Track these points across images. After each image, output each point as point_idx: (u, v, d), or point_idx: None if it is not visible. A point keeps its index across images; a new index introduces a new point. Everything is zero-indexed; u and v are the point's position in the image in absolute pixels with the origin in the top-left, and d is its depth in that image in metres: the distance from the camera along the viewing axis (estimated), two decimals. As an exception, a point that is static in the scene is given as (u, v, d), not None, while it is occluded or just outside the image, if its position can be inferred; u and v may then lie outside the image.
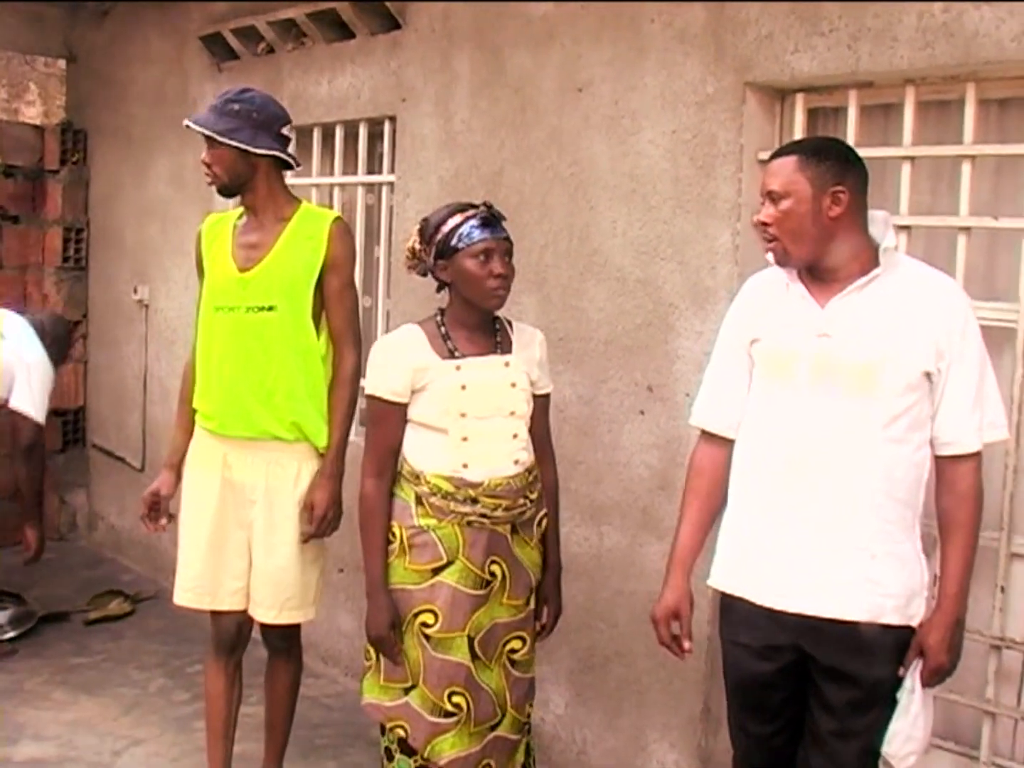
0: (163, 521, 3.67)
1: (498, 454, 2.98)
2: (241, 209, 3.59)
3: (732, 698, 2.80)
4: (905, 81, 3.08)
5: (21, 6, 6.37)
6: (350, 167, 4.95)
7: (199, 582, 3.53)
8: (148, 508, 3.65)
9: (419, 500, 2.95)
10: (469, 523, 2.93)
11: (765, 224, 2.56)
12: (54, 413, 6.54)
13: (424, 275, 3.09)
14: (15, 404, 4.71)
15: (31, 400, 4.73)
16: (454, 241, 2.93)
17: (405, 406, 2.98)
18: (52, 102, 6.77)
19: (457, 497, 2.92)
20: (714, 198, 3.39)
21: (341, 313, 3.49)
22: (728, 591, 2.71)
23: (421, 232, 3.05)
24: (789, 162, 2.53)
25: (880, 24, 3.00)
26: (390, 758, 3.05)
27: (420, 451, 2.98)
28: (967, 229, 3.00)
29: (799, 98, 3.33)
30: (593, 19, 3.72)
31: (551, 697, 3.96)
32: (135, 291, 6.20)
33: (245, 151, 3.38)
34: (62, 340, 5.15)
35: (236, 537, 3.50)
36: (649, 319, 3.59)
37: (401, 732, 2.99)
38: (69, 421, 6.77)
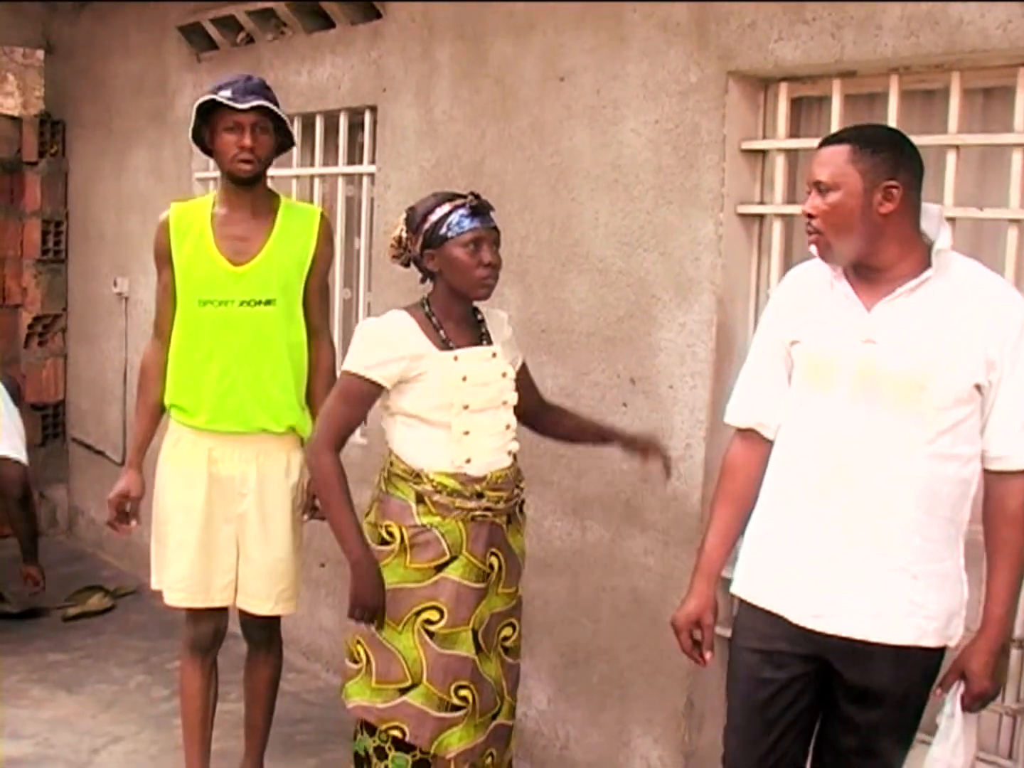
0: (133, 523, 3.58)
1: (495, 447, 2.98)
2: (210, 198, 3.54)
3: (733, 698, 2.69)
4: (889, 70, 3.04)
5: (-2, -4, 6.30)
6: (330, 158, 4.91)
7: (191, 581, 3.48)
8: (116, 511, 3.55)
9: (420, 498, 2.91)
10: (472, 518, 2.92)
11: (810, 216, 2.42)
12: (33, 407, 6.53)
13: (407, 265, 3.06)
14: (3, 452, 4.69)
15: (15, 446, 4.73)
16: (443, 230, 2.90)
17: (383, 392, 2.93)
18: (30, 93, 6.72)
19: (464, 493, 2.90)
20: (697, 188, 3.36)
21: (323, 308, 3.58)
22: (755, 602, 2.59)
23: (408, 221, 3.01)
24: (841, 152, 2.38)
25: (864, 13, 2.96)
26: (381, 756, 2.99)
27: (418, 448, 2.94)
28: (952, 220, 2.96)
29: (783, 87, 3.30)
30: (575, 8, 3.68)
31: (533, 693, 3.93)
32: (115, 284, 6.16)
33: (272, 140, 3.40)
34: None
35: (224, 532, 3.47)
36: (632, 311, 3.55)
37: (398, 732, 2.94)
38: (48, 415, 6.73)
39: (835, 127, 3.14)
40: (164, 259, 3.49)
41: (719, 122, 3.31)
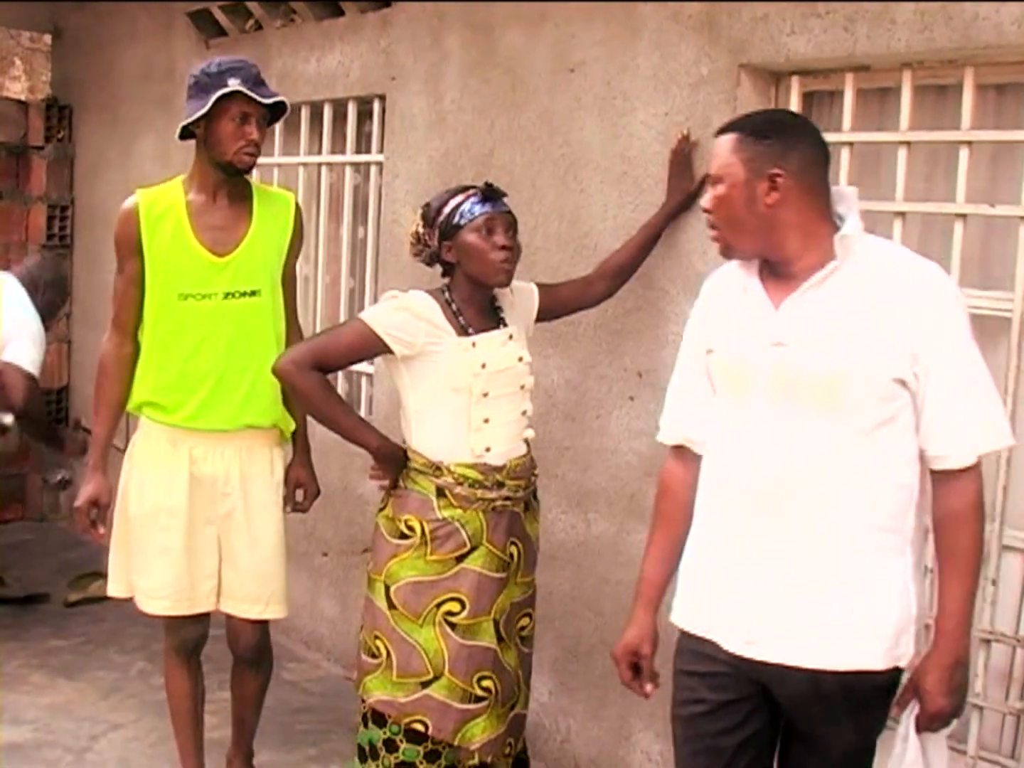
0: (100, 530, 3.40)
1: (513, 434, 2.99)
2: (178, 184, 3.37)
3: (676, 725, 2.48)
4: (902, 65, 3.02)
5: (7, -21, 6.28)
6: (338, 146, 4.89)
7: (175, 587, 3.35)
8: (85, 518, 3.38)
9: (440, 492, 2.91)
10: (493, 508, 2.91)
11: (706, 211, 2.31)
12: (37, 392, 6.51)
13: (431, 263, 3.06)
14: (9, 357, 4.45)
15: (19, 352, 4.50)
16: (456, 219, 2.92)
17: (387, 354, 2.92)
18: (37, 77, 6.70)
19: (485, 484, 2.91)
20: (707, 181, 3.34)
21: (294, 296, 3.53)
22: (690, 630, 2.42)
23: (424, 216, 3.02)
24: (727, 141, 2.26)
25: (878, 7, 2.94)
26: (391, 748, 2.98)
27: (436, 440, 2.94)
28: (963, 216, 2.95)
29: (794, 81, 3.28)
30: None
31: (535, 685, 3.91)
32: (119, 270, 6.12)
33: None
34: (58, 284, 4.95)
35: (206, 535, 3.36)
36: (639, 304, 3.54)
37: (419, 726, 2.92)
38: (53, 401, 6.71)
39: (847, 122, 3.13)
40: (132, 250, 3.28)
41: (730, 115, 3.25)
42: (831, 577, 2.21)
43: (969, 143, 2.93)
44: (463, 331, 2.92)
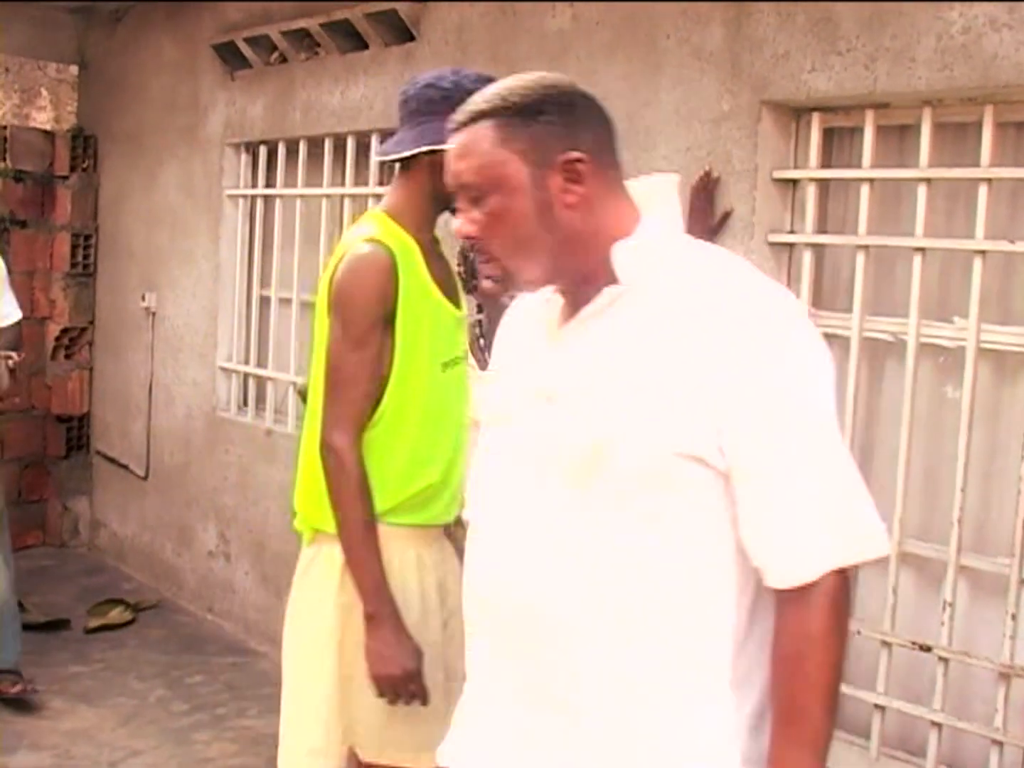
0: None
1: None
2: (387, 221, 2.58)
3: None
4: (922, 102, 3.05)
5: (34, 12, 6.35)
6: (361, 178, 4.93)
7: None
8: (404, 694, 2.45)
9: None
10: None
11: (470, 238, 1.63)
12: (58, 419, 6.57)
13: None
14: (9, 320, 4.54)
15: (13, 303, 4.60)
16: None
17: None
18: (63, 108, 6.78)
19: None
20: (728, 216, 3.37)
21: None
22: None
23: (461, 255, 2.92)
24: (483, 133, 1.59)
25: (898, 45, 2.98)
26: None
27: None
28: (983, 252, 2.97)
29: (815, 117, 3.31)
30: (608, 34, 3.70)
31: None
32: (143, 298, 6.19)
33: None
34: None
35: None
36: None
37: None
38: (74, 428, 6.75)
39: (867, 158, 3.15)
40: (384, 315, 2.49)
41: (751, 151, 3.32)
42: (591, 733, 1.57)
43: (989, 180, 2.95)
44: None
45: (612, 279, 1.57)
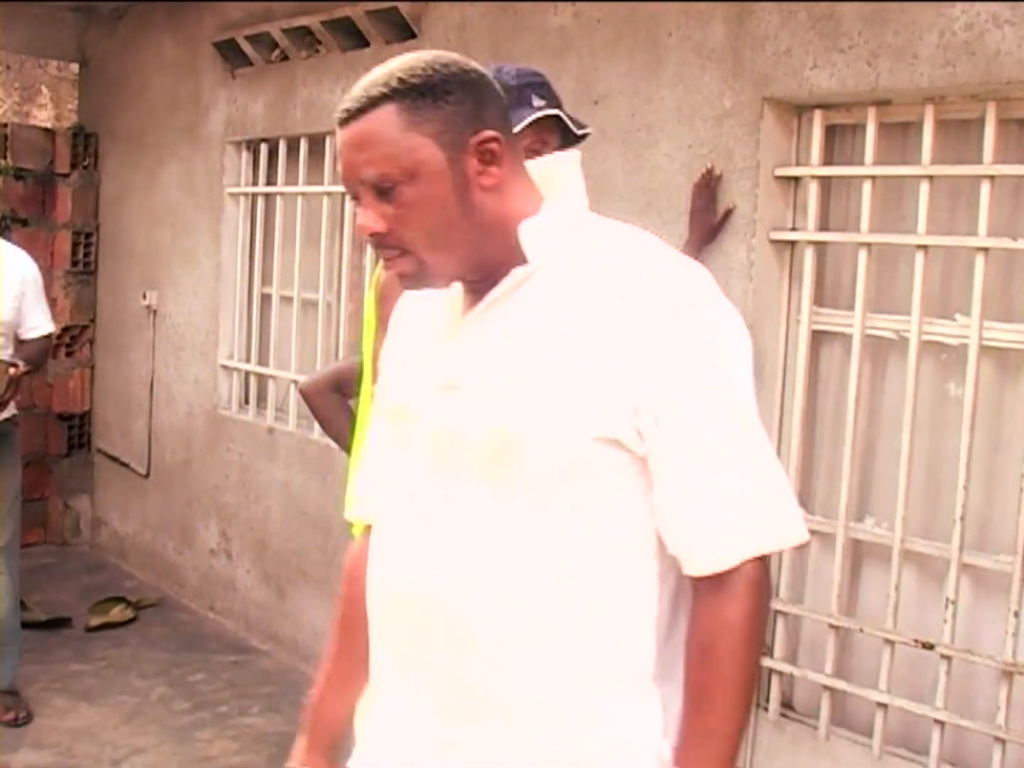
0: None
1: None
2: None
3: None
4: (925, 99, 3.05)
5: (35, 10, 6.35)
6: (362, 176, 4.92)
7: None
8: None
9: None
10: None
11: (377, 235, 1.49)
12: (59, 417, 6.57)
13: None
14: (38, 331, 4.45)
15: (46, 315, 4.52)
16: None
17: None
18: (64, 106, 6.78)
19: None
20: (730, 214, 3.36)
21: None
22: None
23: None
24: (385, 119, 1.45)
25: (900, 41, 2.97)
26: None
27: None
28: (985, 250, 2.96)
29: (817, 114, 3.30)
30: (610, 32, 3.69)
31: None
32: (144, 296, 6.19)
33: None
34: None
35: None
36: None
37: None
38: (75, 426, 6.75)
39: (869, 155, 3.14)
40: None
41: (753, 148, 3.31)
42: (516, 734, 1.50)
43: (991, 177, 2.94)
44: None
45: (522, 264, 1.50)
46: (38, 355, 4.50)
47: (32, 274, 4.48)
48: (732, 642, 1.44)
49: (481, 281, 1.52)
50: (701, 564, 1.45)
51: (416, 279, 1.53)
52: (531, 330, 1.48)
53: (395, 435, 1.64)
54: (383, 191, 1.46)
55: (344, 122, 1.48)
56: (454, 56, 1.51)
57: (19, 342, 4.39)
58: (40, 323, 4.48)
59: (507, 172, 1.50)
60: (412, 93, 1.45)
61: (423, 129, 1.44)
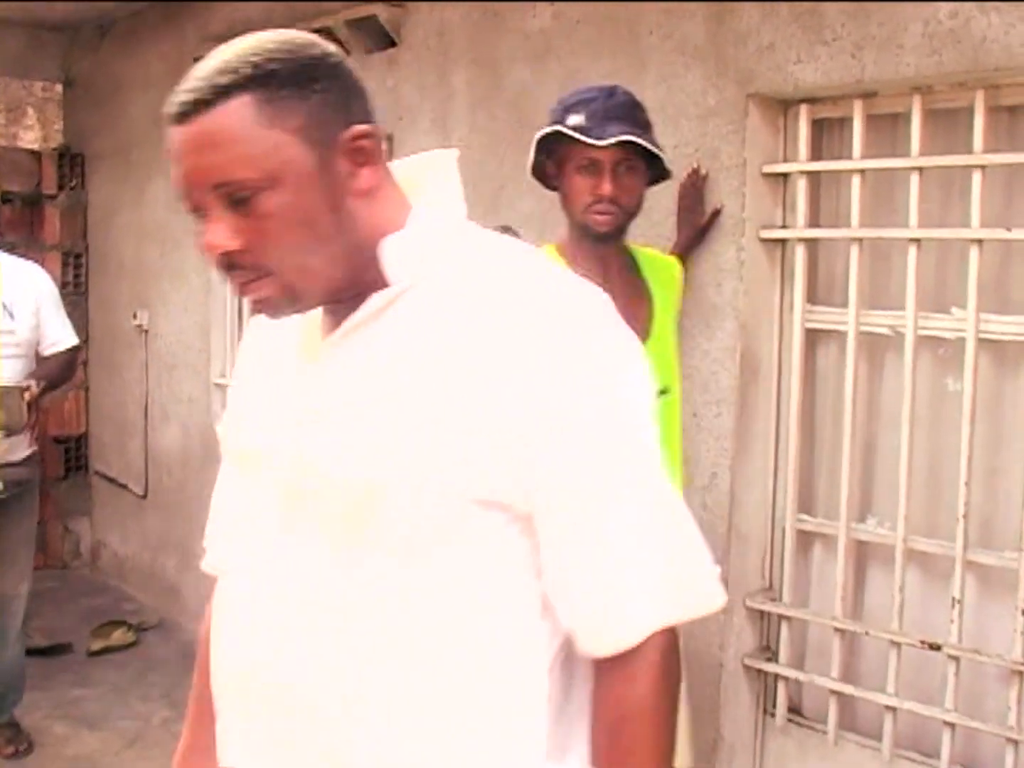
0: None
1: None
2: (553, 253, 2.68)
3: None
4: (912, 90, 2.99)
5: (18, 31, 6.31)
6: (348, 187, 4.88)
7: None
8: None
9: None
10: None
11: (229, 255, 1.24)
12: (56, 440, 6.52)
13: None
14: (59, 346, 4.34)
15: (66, 328, 4.40)
16: None
17: None
18: (50, 126, 6.73)
19: None
20: (718, 214, 3.31)
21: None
22: None
23: None
24: (240, 113, 1.21)
25: (885, 32, 2.91)
26: None
27: None
28: (979, 241, 2.90)
29: (803, 109, 3.25)
30: (591, 32, 3.64)
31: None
32: (135, 316, 6.15)
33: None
34: None
35: None
36: (654, 338, 3.50)
37: None
38: (72, 448, 6.71)
39: (857, 149, 3.09)
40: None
41: (739, 146, 3.26)
42: None
43: (983, 167, 2.89)
44: None
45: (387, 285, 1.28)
46: (61, 371, 4.39)
47: (47, 287, 4.37)
48: (640, 728, 1.25)
49: (348, 302, 1.29)
50: (596, 645, 1.26)
51: (279, 306, 1.28)
52: (395, 363, 1.25)
53: (240, 483, 1.43)
54: (238, 200, 1.21)
55: (182, 118, 1.23)
56: (312, 37, 1.29)
57: (41, 359, 4.28)
58: (61, 337, 4.37)
59: (380, 168, 1.30)
60: (271, 81, 1.21)
61: (286, 124, 1.21)
